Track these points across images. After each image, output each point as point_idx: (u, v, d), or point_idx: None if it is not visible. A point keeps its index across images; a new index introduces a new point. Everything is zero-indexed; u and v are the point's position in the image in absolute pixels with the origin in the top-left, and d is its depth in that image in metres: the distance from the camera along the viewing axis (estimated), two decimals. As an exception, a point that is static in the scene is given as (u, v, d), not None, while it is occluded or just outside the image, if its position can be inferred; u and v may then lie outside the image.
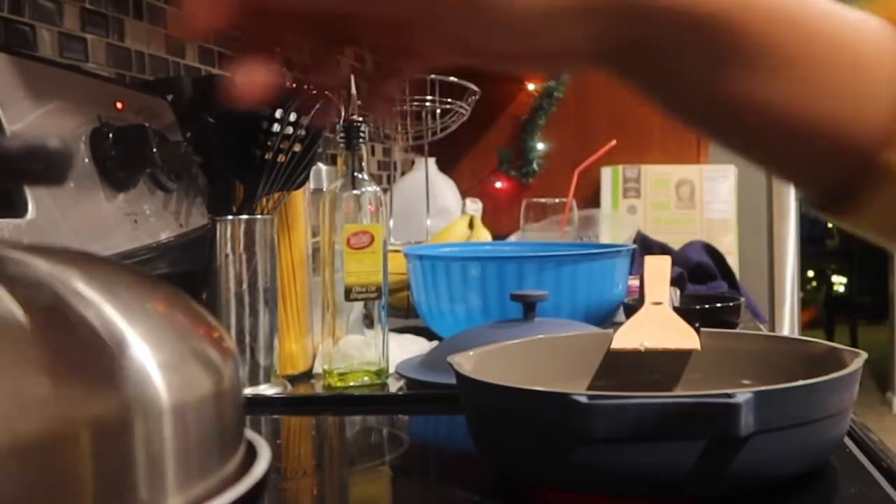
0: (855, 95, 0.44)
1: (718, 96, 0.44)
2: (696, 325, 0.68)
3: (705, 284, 1.51)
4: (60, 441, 0.36)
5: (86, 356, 0.39)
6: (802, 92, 0.44)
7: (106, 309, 0.42)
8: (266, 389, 0.83)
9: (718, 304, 1.13)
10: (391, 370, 0.89)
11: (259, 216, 0.85)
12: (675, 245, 1.69)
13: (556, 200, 1.58)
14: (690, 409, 0.46)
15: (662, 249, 1.64)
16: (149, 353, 0.41)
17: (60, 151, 0.41)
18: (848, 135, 0.44)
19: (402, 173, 2.15)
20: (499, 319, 0.91)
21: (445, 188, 2.03)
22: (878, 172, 0.44)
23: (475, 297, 1.02)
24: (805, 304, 4.02)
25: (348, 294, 0.86)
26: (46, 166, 0.41)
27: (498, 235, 1.75)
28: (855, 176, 0.45)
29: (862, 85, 0.44)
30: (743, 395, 0.46)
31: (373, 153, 2.11)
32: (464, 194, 1.96)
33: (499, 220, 2.08)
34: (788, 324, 2.61)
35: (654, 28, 0.42)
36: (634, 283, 1.11)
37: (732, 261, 2.03)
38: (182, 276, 0.83)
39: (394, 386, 0.87)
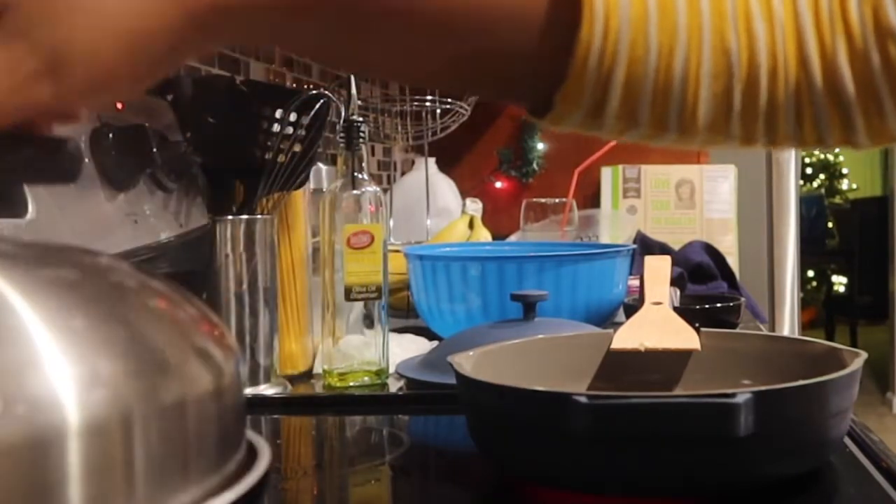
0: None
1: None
2: (696, 325, 0.68)
3: (705, 284, 1.51)
4: (59, 439, 0.36)
5: (86, 352, 0.39)
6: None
7: (107, 305, 0.42)
8: (266, 389, 0.83)
9: (718, 304, 1.13)
10: (391, 370, 0.89)
11: (259, 216, 0.85)
12: (675, 245, 1.69)
13: (556, 200, 1.58)
14: (690, 409, 0.46)
15: (662, 249, 1.64)
16: (150, 350, 0.41)
17: (70, 151, 0.41)
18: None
19: (402, 173, 2.15)
20: (499, 319, 0.91)
21: (445, 188, 2.03)
22: (557, 105, 0.50)
23: (475, 297, 1.02)
24: (805, 304, 4.02)
25: (348, 294, 0.86)
26: (57, 166, 0.41)
27: (498, 235, 1.75)
28: (552, 82, 0.50)
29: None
30: (743, 395, 0.46)
31: (373, 153, 2.11)
32: (464, 194, 1.96)
33: (499, 220, 2.08)
34: (788, 324, 2.61)
35: None
36: (634, 283, 1.11)
37: (732, 261, 2.03)
38: (182, 276, 0.83)
39: (394, 386, 0.87)
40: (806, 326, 4.45)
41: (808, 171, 6.43)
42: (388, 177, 2.17)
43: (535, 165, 2.41)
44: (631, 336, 0.67)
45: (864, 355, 0.56)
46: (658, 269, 0.79)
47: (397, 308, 1.28)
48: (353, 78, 0.91)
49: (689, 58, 0.49)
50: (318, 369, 0.94)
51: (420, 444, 0.71)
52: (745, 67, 0.50)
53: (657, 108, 0.51)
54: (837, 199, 6.43)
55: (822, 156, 6.54)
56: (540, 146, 2.41)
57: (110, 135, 0.80)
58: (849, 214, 5.55)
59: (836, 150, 6.49)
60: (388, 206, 1.80)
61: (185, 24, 0.46)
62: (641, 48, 0.49)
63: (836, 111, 0.51)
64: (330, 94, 0.90)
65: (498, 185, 2.44)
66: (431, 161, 1.92)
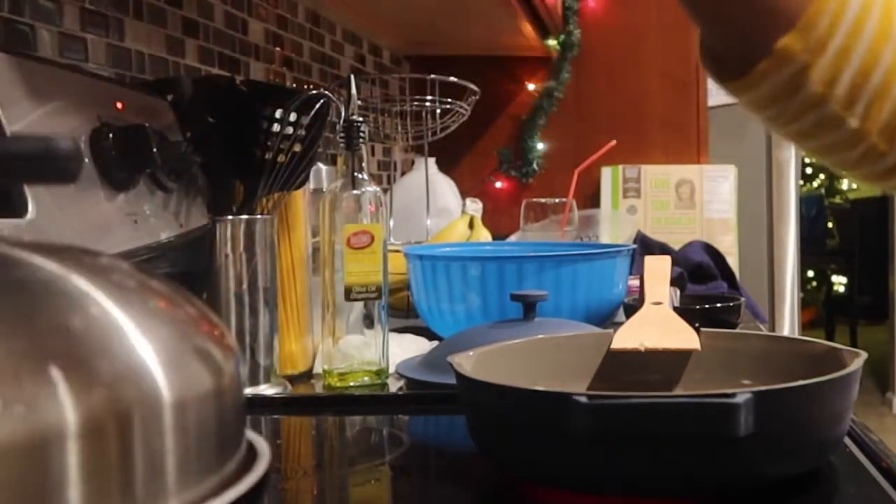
0: None
1: None
2: (696, 325, 0.68)
3: (705, 284, 1.51)
4: (59, 439, 0.36)
5: (86, 353, 0.39)
6: None
7: (107, 306, 0.42)
8: (266, 389, 0.83)
9: (718, 304, 1.13)
10: (391, 370, 0.89)
11: (259, 216, 0.85)
12: (675, 245, 1.69)
13: (556, 200, 1.58)
14: (690, 409, 0.46)
15: (662, 249, 1.64)
16: (150, 350, 0.41)
17: (71, 151, 0.41)
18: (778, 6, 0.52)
19: (402, 173, 2.15)
20: (499, 319, 0.91)
21: (445, 188, 2.03)
22: (776, 52, 0.52)
23: (475, 297, 1.02)
24: (805, 304, 4.02)
25: (348, 294, 0.86)
26: (57, 166, 0.41)
27: (498, 235, 1.75)
28: (757, 50, 0.52)
29: None
30: (743, 395, 0.46)
31: (373, 153, 2.11)
32: (464, 194, 1.96)
33: (499, 220, 2.08)
34: (788, 324, 2.61)
35: None
36: (634, 283, 1.11)
37: (732, 261, 2.03)
38: (182, 276, 0.83)
39: (394, 386, 0.87)
40: (806, 326, 4.45)
41: (808, 171, 6.43)
42: (388, 177, 2.17)
43: (535, 165, 2.41)
44: (631, 336, 0.67)
45: (864, 355, 0.56)
46: (658, 269, 0.79)
47: (397, 308, 1.28)
48: (353, 78, 0.91)
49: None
50: (318, 369, 0.94)
51: (420, 444, 0.71)
52: None
53: (855, 86, 0.52)
54: (837, 199, 6.43)
55: (822, 156, 6.52)
56: (540, 146, 2.41)
57: (110, 135, 0.80)
58: (849, 214, 5.55)
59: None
60: (388, 206, 1.80)
61: None
62: (863, 23, 0.50)
63: None
64: (330, 94, 0.90)
65: (498, 185, 2.44)
66: (431, 161, 1.92)
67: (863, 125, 0.54)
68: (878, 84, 0.53)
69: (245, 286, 0.83)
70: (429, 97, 1.67)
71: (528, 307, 0.87)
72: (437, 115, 1.71)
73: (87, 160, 0.79)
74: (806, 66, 0.52)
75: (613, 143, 1.60)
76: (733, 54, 0.55)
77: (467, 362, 0.60)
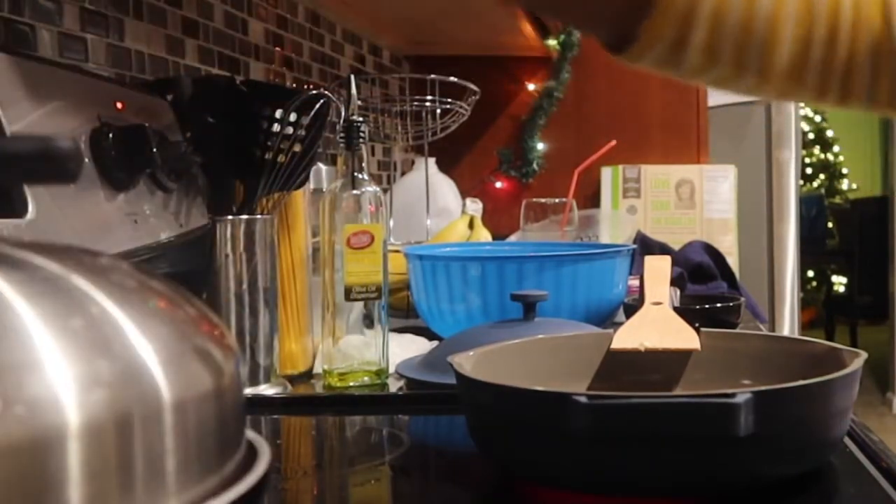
0: None
1: None
2: (696, 325, 0.68)
3: (705, 284, 1.51)
4: (58, 440, 0.36)
5: (86, 352, 0.39)
6: None
7: (107, 305, 0.42)
8: (266, 389, 0.83)
9: (718, 304, 1.13)
10: (391, 370, 0.89)
11: (259, 216, 0.85)
12: (675, 245, 1.69)
13: (556, 200, 1.58)
14: (690, 409, 0.46)
15: (662, 249, 1.64)
16: (150, 350, 0.41)
17: (71, 151, 0.41)
18: None
19: (402, 173, 2.15)
20: (499, 319, 0.91)
21: (445, 188, 2.03)
22: (643, 36, 0.52)
23: (475, 297, 1.02)
24: (805, 304, 4.02)
25: (348, 294, 0.86)
26: (57, 166, 0.41)
27: (498, 235, 1.75)
28: (626, 36, 0.52)
29: None
30: (743, 395, 0.46)
31: (373, 153, 2.11)
32: (464, 194, 1.96)
33: (499, 220, 2.08)
34: (788, 324, 2.61)
35: None
36: (634, 283, 1.11)
37: (732, 261, 2.03)
38: (182, 276, 0.83)
39: (394, 386, 0.87)
40: (806, 326, 4.45)
41: (808, 171, 6.43)
42: (388, 177, 2.17)
43: (535, 165, 2.41)
44: (631, 336, 0.67)
45: (864, 355, 0.56)
46: (658, 269, 0.79)
47: (397, 308, 1.28)
48: (353, 78, 0.91)
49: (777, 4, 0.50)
50: (318, 369, 0.94)
51: (420, 444, 0.71)
52: (829, 16, 0.50)
53: (739, 45, 0.52)
54: (837, 199, 6.43)
55: (822, 155, 6.54)
56: (540, 146, 2.41)
57: (110, 135, 0.80)
58: (849, 214, 5.55)
59: (836, 150, 6.50)
60: (388, 206, 1.80)
61: None
62: None
63: None
64: (330, 94, 0.90)
65: (498, 185, 2.44)
66: (431, 161, 1.92)
67: (763, 76, 0.54)
68: (763, 35, 0.52)
69: (245, 286, 0.83)
70: (429, 97, 1.67)
71: (528, 307, 0.86)
72: (437, 115, 1.71)
73: (87, 160, 0.79)
74: (679, 40, 0.52)
75: (613, 143, 1.60)
76: (607, 39, 0.56)
77: (467, 362, 0.60)
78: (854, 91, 0.52)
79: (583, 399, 0.47)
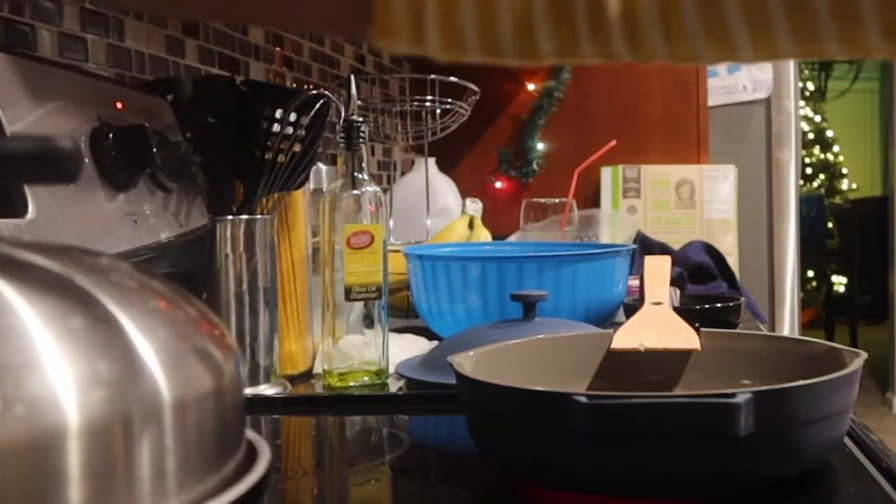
0: None
1: None
2: (696, 325, 0.68)
3: (705, 284, 1.51)
4: (58, 440, 0.36)
5: (86, 352, 0.39)
6: None
7: (107, 305, 0.42)
8: (266, 389, 0.83)
9: (718, 304, 1.13)
10: (391, 370, 0.89)
11: (259, 216, 0.85)
12: (675, 245, 1.69)
13: (556, 200, 1.58)
14: (690, 409, 0.46)
15: (662, 249, 1.64)
16: (150, 350, 0.41)
17: (71, 151, 0.41)
18: None
19: (402, 173, 2.15)
20: (499, 319, 0.91)
21: (445, 188, 2.03)
22: (380, 46, 0.46)
23: (475, 297, 1.02)
24: (805, 304, 4.02)
25: (348, 294, 0.86)
26: (57, 166, 0.41)
27: (498, 235, 1.75)
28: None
29: None
30: (743, 395, 0.46)
31: (373, 153, 2.11)
32: (464, 194, 1.96)
33: (499, 220, 2.08)
34: (788, 324, 2.61)
35: None
36: (634, 283, 1.11)
37: (732, 261, 2.03)
38: (182, 276, 0.83)
39: (394, 386, 0.87)
40: (806, 326, 4.44)
41: (808, 171, 6.43)
42: (388, 177, 2.17)
43: (535, 165, 2.41)
44: (631, 336, 0.67)
45: (864, 355, 0.56)
46: (658, 269, 0.79)
47: (397, 308, 1.28)
48: (353, 78, 0.91)
49: None
50: (318, 369, 0.94)
51: (420, 444, 0.71)
52: None
53: (486, 35, 0.46)
54: (837, 199, 6.43)
55: (822, 155, 6.54)
56: (540, 146, 2.41)
57: (110, 135, 0.80)
58: (849, 214, 5.55)
59: (836, 150, 6.50)
60: (388, 206, 1.80)
61: None
62: None
63: (711, 20, 0.44)
64: (330, 94, 0.90)
65: (498, 185, 2.44)
66: (431, 161, 1.92)
67: (526, 62, 0.47)
68: (469, 7, 0.45)
69: (245, 286, 0.83)
70: (429, 97, 1.67)
71: (528, 307, 0.86)
72: (437, 115, 1.71)
73: (87, 160, 0.79)
74: (412, 41, 0.47)
75: (613, 143, 1.60)
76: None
77: (467, 362, 0.60)
78: (646, 49, 0.46)
79: (583, 399, 0.47)
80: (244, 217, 0.84)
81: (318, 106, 0.88)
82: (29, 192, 0.69)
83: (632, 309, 0.82)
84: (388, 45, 0.47)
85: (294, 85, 1.64)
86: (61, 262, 0.43)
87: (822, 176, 6.56)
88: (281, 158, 0.86)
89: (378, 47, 0.48)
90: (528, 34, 0.46)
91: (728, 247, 2.17)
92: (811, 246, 4.78)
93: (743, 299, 1.17)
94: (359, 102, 0.92)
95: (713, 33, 0.45)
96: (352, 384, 0.87)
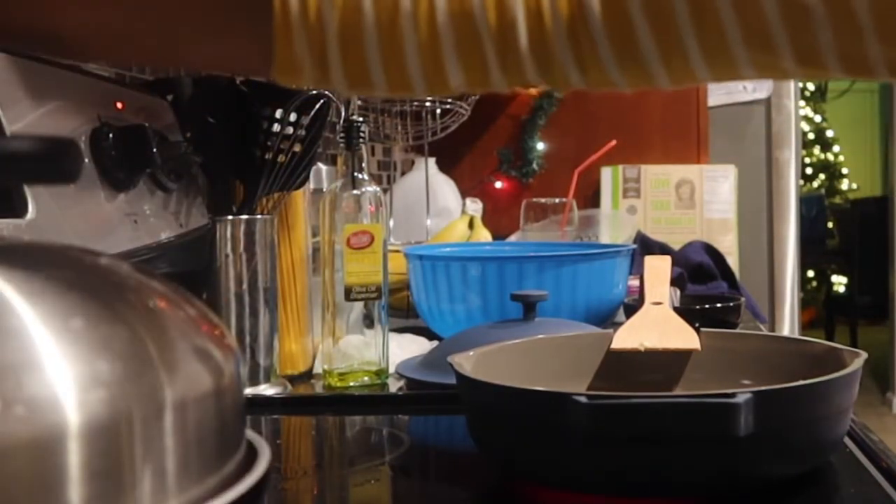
0: None
1: None
2: (696, 325, 0.68)
3: (705, 284, 1.51)
4: (58, 440, 0.36)
5: (86, 352, 0.39)
6: None
7: (108, 305, 0.42)
8: (266, 389, 0.83)
9: (718, 304, 1.13)
10: (391, 370, 0.89)
11: (259, 216, 0.85)
12: (675, 245, 1.69)
13: (556, 200, 1.58)
14: (690, 409, 0.46)
15: (662, 249, 1.64)
16: (150, 350, 0.41)
17: (71, 151, 0.41)
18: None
19: (402, 173, 2.15)
20: (499, 319, 0.91)
21: (445, 188, 2.03)
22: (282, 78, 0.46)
23: (475, 297, 1.02)
24: (805, 304, 4.02)
25: (348, 294, 0.86)
26: (57, 166, 0.41)
27: (498, 235, 1.75)
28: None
29: None
30: (743, 395, 0.46)
31: (373, 153, 2.11)
32: (464, 194, 1.96)
33: (499, 220, 2.08)
34: (788, 324, 2.61)
35: None
36: (634, 283, 1.11)
37: (732, 261, 2.03)
38: (182, 276, 0.83)
39: (394, 386, 0.87)
40: (806, 326, 4.44)
41: (808, 171, 6.43)
42: (388, 177, 2.17)
43: (535, 165, 2.41)
44: (631, 336, 0.67)
45: (864, 355, 0.56)
46: (658, 269, 0.79)
47: (397, 308, 1.28)
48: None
49: (418, 15, 0.43)
50: (318, 369, 0.94)
51: (420, 444, 0.71)
52: (495, 20, 0.43)
53: (392, 71, 0.45)
54: (837, 199, 6.43)
55: (822, 155, 6.54)
56: (540, 146, 2.41)
57: (110, 135, 0.80)
58: (849, 214, 5.56)
59: (836, 150, 6.49)
60: (388, 206, 1.80)
61: None
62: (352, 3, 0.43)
63: (624, 48, 0.44)
64: (330, 94, 0.90)
65: (498, 185, 2.44)
66: (431, 161, 1.92)
67: (436, 94, 0.47)
68: (373, 44, 0.44)
69: (245, 286, 0.83)
70: (429, 97, 1.67)
71: (528, 307, 0.86)
72: (437, 115, 1.71)
73: (87, 160, 0.79)
74: (317, 79, 0.46)
75: (613, 143, 1.60)
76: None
77: (467, 362, 0.60)
78: (558, 77, 0.45)
79: (583, 399, 0.47)
80: (244, 217, 0.84)
81: (318, 106, 0.88)
82: (29, 192, 0.69)
83: (632, 309, 0.82)
84: (292, 83, 0.47)
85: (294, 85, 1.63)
86: (61, 261, 0.43)
87: (822, 176, 6.56)
88: (281, 158, 0.86)
89: (282, 84, 0.48)
90: (437, 68, 0.45)
91: (728, 247, 2.17)
92: (811, 246, 4.78)
93: (743, 299, 1.17)
94: (359, 102, 0.92)
95: (627, 61, 0.44)
96: (352, 384, 0.87)
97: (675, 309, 0.72)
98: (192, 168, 0.89)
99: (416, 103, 1.69)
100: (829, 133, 6.53)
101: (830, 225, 6.07)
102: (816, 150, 6.48)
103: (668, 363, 0.67)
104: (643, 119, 2.36)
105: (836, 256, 5.80)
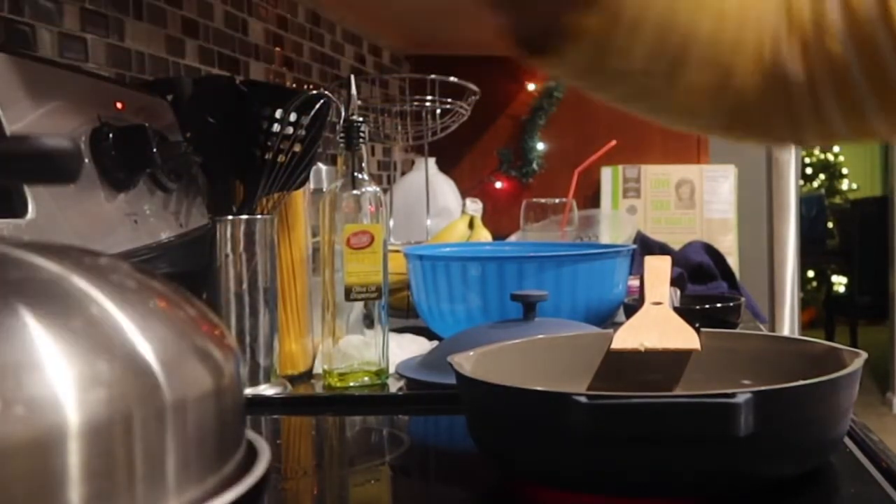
0: None
1: None
2: (696, 325, 0.68)
3: (705, 284, 1.51)
4: (59, 440, 0.36)
5: (86, 352, 0.39)
6: None
7: (107, 305, 0.42)
8: (266, 389, 0.83)
9: (718, 304, 1.13)
10: (391, 370, 0.89)
11: (259, 216, 0.85)
12: (675, 245, 1.69)
13: (556, 200, 1.58)
14: (690, 409, 0.46)
15: (662, 249, 1.64)
16: (150, 350, 0.41)
17: (70, 151, 0.41)
18: None
19: (402, 173, 2.15)
20: (499, 319, 0.91)
21: (445, 188, 2.03)
22: (572, 31, 0.53)
23: (475, 297, 1.02)
24: (805, 304, 4.02)
25: (348, 294, 0.86)
26: (57, 166, 0.41)
27: (498, 235, 1.75)
28: (554, 30, 0.53)
29: None
30: (743, 395, 0.46)
31: (373, 153, 2.11)
32: (464, 194, 1.96)
33: (499, 220, 2.08)
34: (788, 324, 2.60)
35: None
36: (634, 283, 1.11)
37: (732, 261, 2.03)
38: (182, 276, 0.83)
39: (394, 386, 0.87)
40: (806, 326, 4.45)
41: (808, 171, 6.43)
42: (388, 177, 2.17)
43: (535, 165, 2.41)
44: (631, 336, 0.67)
45: (864, 355, 0.56)
46: (658, 269, 0.79)
47: (397, 308, 1.28)
48: (353, 78, 0.91)
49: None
50: (318, 369, 0.94)
51: (420, 444, 0.71)
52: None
53: (652, 55, 0.52)
54: (837, 199, 6.43)
55: (822, 156, 6.54)
56: (540, 146, 2.41)
57: (110, 135, 0.80)
58: (849, 214, 5.56)
59: (836, 150, 6.50)
60: (388, 206, 1.80)
61: None
62: None
63: (812, 107, 0.52)
64: (330, 94, 0.90)
65: (498, 185, 2.44)
66: (431, 161, 1.92)
67: (671, 92, 0.55)
68: (675, 51, 0.52)
69: (245, 286, 0.83)
70: (429, 97, 1.67)
71: (528, 307, 0.86)
72: (437, 115, 1.71)
73: (87, 160, 0.79)
74: (602, 42, 0.53)
75: (613, 143, 1.60)
76: (533, 34, 0.56)
77: (467, 362, 0.60)
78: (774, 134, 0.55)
79: (583, 399, 0.47)
80: (244, 217, 0.84)
81: (318, 106, 0.88)
82: (29, 192, 0.69)
83: (632, 309, 0.82)
84: (584, 32, 0.53)
85: (294, 85, 1.64)
86: (61, 262, 0.43)
87: (822, 176, 6.56)
88: (281, 158, 0.86)
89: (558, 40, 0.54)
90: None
91: (728, 247, 2.17)
92: (811, 246, 4.79)
93: (743, 299, 1.17)
94: (359, 102, 0.92)
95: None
96: (352, 384, 0.87)
97: (675, 309, 0.72)
98: (192, 168, 0.89)
99: (416, 103, 1.69)
100: (829, 133, 6.52)
101: (830, 225, 6.07)
102: (816, 150, 6.48)
103: (668, 363, 0.67)
104: (643, 119, 2.36)
105: (836, 256, 5.80)
